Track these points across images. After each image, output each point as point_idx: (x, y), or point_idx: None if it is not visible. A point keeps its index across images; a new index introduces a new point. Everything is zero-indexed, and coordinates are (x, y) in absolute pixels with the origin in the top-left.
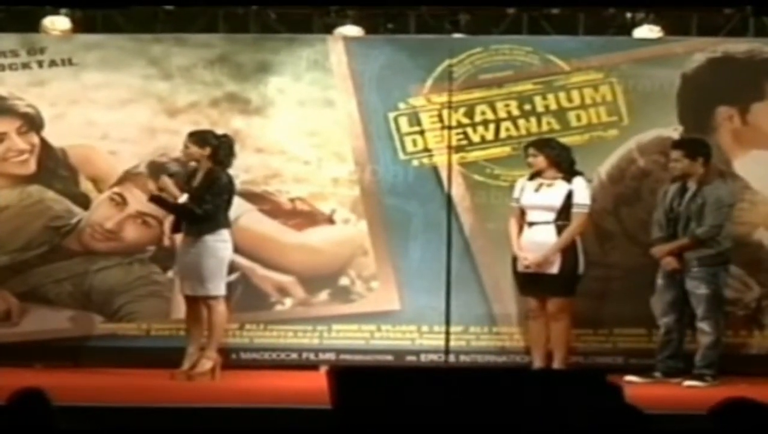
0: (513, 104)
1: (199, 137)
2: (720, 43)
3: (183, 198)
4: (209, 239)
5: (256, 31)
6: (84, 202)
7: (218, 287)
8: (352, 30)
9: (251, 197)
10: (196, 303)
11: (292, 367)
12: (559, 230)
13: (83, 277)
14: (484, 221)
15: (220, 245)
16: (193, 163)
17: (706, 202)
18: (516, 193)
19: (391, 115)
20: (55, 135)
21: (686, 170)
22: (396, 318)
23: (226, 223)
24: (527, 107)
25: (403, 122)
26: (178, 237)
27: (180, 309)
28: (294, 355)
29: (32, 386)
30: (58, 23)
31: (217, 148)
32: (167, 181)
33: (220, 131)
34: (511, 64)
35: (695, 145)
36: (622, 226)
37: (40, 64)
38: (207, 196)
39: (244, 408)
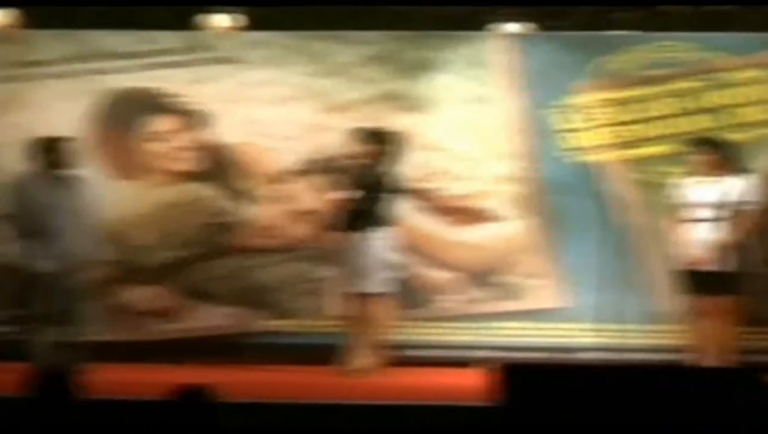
0: (674, 101)
1: (366, 134)
2: None
3: (348, 195)
4: (373, 236)
5: (418, 28)
6: (245, 198)
7: (381, 284)
8: (513, 27)
9: (414, 194)
10: (359, 300)
11: (455, 364)
12: (723, 227)
13: (243, 274)
14: (644, 218)
15: (384, 243)
16: (357, 160)
17: None
18: (679, 190)
19: (552, 112)
20: (217, 132)
21: None
22: (560, 315)
23: (388, 220)
24: (689, 104)
25: (564, 119)
26: (340, 235)
27: (341, 306)
28: (457, 352)
29: (194, 382)
30: (222, 21)
31: (385, 145)
32: (333, 178)
33: (384, 128)
34: (673, 61)
35: None
36: None
37: (204, 61)
38: (372, 193)
39: (407, 406)
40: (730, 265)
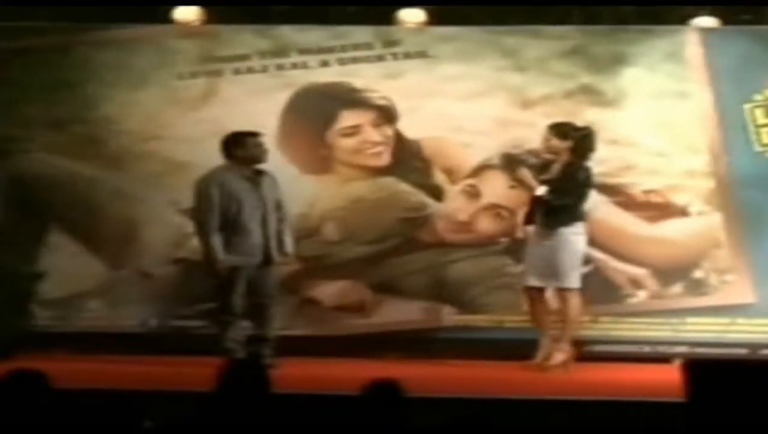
0: None
1: (560, 129)
2: None
3: (541, 190)
4: (565, 232)
5: (610, 23)
6: (437, 193)
7: (573, 279)
8: (707, 21)
9: (605, 189)
10: (543, 294)
11: (645, 360)
12: None
13: (436, 269)
14: None
15: (576, 238)
16: (549, 155)
17: None
18: None
19: (747, 107)
20: (409, 127)
21: None
22: (751, 311)
23: (582, 216)
24: None
25: (759, 114)
26: (536, 230)
27: (535, 301)
28: (647, 348)
29: (385, 377)
30: (412, 16)
31: (579, 141)
32: (526, 173)
33: (577, 123)
34: None
35: None
36: None
37: (394, 56)
38: (567, 189)
39: (597, 401)
40: None
